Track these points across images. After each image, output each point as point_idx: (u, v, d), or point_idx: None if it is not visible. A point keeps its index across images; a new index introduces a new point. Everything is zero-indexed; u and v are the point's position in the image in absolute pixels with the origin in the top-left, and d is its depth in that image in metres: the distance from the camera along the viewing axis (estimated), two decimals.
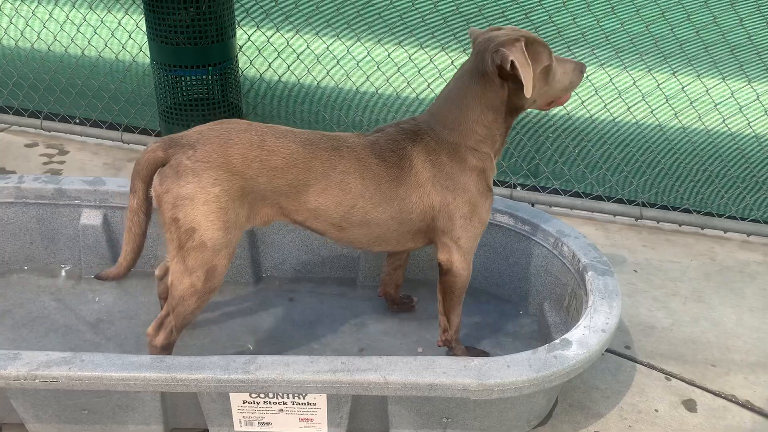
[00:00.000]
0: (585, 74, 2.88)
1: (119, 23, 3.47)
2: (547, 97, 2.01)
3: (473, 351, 2.26)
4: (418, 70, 3.21)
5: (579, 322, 1.99)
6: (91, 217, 2.56)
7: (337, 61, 3.28)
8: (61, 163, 3.52)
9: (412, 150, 1.99)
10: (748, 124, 2.99)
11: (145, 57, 3.43)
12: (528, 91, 1.84)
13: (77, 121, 3.75)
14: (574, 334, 1.93)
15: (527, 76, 1.83)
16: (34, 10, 3.63)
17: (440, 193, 1.99)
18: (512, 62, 1.82)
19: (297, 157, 1.92)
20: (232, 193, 1.88)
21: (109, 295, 2.55)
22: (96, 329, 2.39)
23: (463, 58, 3.12)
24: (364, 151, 1.98)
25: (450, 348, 2.23)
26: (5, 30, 3.73)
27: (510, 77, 1.89)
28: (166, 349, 2.04)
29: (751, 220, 3.14)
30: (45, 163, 3.51)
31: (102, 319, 2.44)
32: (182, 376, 1.78)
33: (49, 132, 3.77)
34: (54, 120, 3.77)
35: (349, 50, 3.24)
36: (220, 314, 2.49)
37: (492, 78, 1.91)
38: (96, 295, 2.54)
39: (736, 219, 3.15)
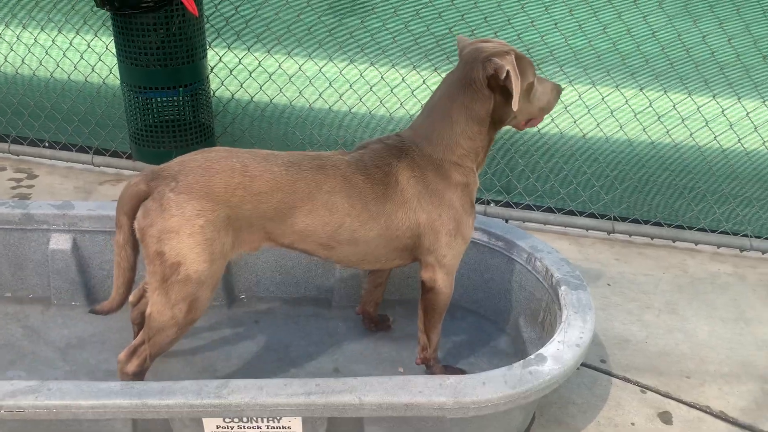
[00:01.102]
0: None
1: (88, 45, 3.44)
2: (525, 114, 2.03)
3: (450, 369, 2.25)
4: (391, 89, 3.23)
5: (553, 337, 1.99)
6: (61, 242, 2.52)
7: (310, 81, 3.29)
8: (30, 187, 3.47)
9: (397, 166, 1.97)
10: (715, 138, 3.05)
11: (115, 79, 3.40)
12: (515, 104, 1.85)
13: (46, 144, 3.70)
14: (549, 349, 1.93)
15: (517, 88, 1.84)
16: (0, 33, 3.59)
17: (426, 209, 1.98)
18: (507, 72, 1.83)
19: (281, 180, 1.89)
20: (217, 223, 1.85)
21: (79, 321, 2.50)
22: (65, 356, 2.34)
23: (435, 77, 3.16)
24: (349, 168, 1.96)
25: (428, 366, 2.22)
26: None
27: (497, 89, 1.91)
28: (138, 375, 2.00)
29: (721, 232, 3.19)
30: (13, 188, 3.45)
31: (72, 345, 2.39)
32: (154, 402, 1.74)
33: (18, 156, 3.71)
34: (22, 143, 3.72)
35: (321, 70, 3.25)
36: (193, 337, 2.45)
37: (480, 88, 1.91)
38: (66, 321, 2.49)
39: (706, 231, 3.20)
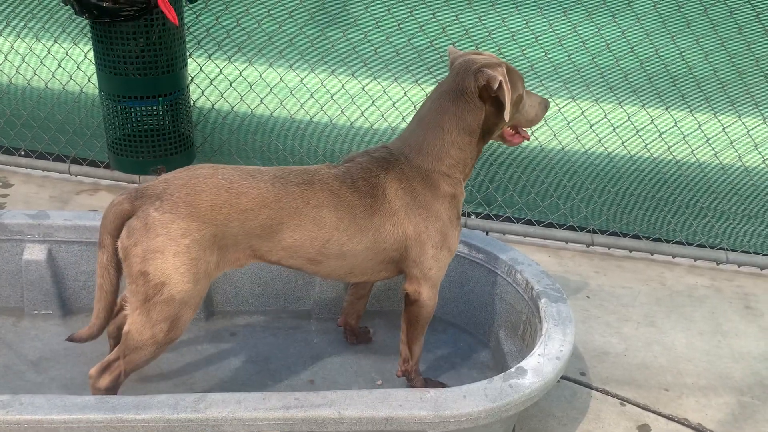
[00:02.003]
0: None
1: (67, 53, 3.40)
2: (513, 126, 2.06)
3: (431, 383, 2.24)
4: (372, 101, 3.23)
5: (534, 350, 1.99)
6: (35, 252, 2.47)
7: (291, 92, 3.28)
8: (5, 196, 3.41)
9: (385, 178, 1.97)
10: (692, 152, 3.09)
11: (93, 87, 3.36)
12: (507, 114, 1.87)
13: (22, 152, 3.64)
14: (529, 363, 1.93)
15: (509, 98, 1.86)
16: None
17: (413, 221, 1.97)
18: (500, 82, 1.85)
19: (267, 196, 1.87)
20: (203, 242, 1.82)
21: (53, 333, 2.45)
22: (38, 369, 2.29)
23: (417, 90, 3.17)
24: (337, 182, 1.95)
25: (409, 379, 2.21)
26: None
27: (488, 100, 1.92)
28: (110, 391, 1.96)
29: (698, 245, 3.23)
30: None
31: (45, 357, 2.34)
32: (129, 416, 1.71)
33: None
34: None
35: (303, 81, 3.25)
36: (170, 350, 2.40)
37: (472, 99, 1.92)
38: (39, 333, 2.44)
39: (684, 244, 3.23)
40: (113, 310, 1.97)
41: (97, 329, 1.98)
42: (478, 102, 1.92)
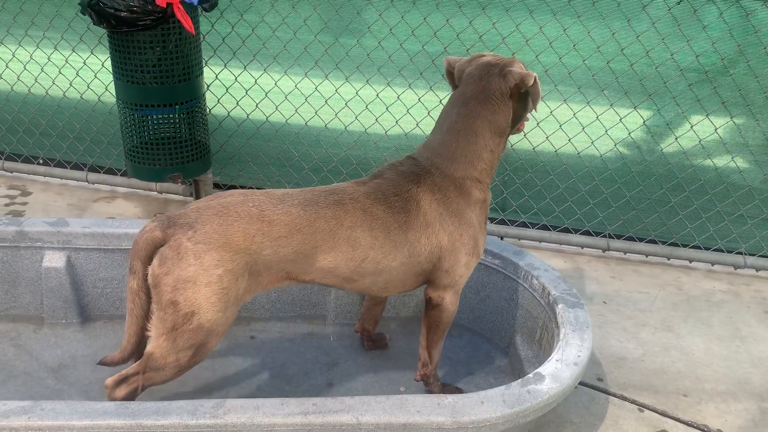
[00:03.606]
0: (550, 110, 2.96)
1: (84, 63, 3.44)
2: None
3: (448, 388, 2.24)
4: (386, 107, 3.24)
5: (551, 356, 1.99)
6: (54, 260, 2.50)
7: (305, 99, 3.30)
8: (24, 204, 3.45)
9: (417, 191, 1.97)
10: (708, 155, 3.07)
11: (110, 96, 3.40)
12: (537, 107, 1.94)
13: (41, 161, 3.68)
14: (547, 368, 1.93)
15: (539, 91, 1.92)
16: None
17: (448, 230, 1.98)
18: (535, 78, 1.90)
19: (299, 221, 1.87)
20: (235, 271, 1.83)
21: (73, 340, 2.47)
22: (58, 375, 2.31)
23: (431, 96, 3.17)
24: (369, 200, 1.94)
25: (427, 383, 2.21)
26: None
27: (515, 96, 1.96)
28: (127, 399, 1.96)
29: (715, 250, 3.21)
30: (6, 205, 3.43)
31: (65, 364, 2.37)
32: (148, 422, 1.72)
33: (12, 173, 3.70)
34: (17, 160, 3.70)
35: (317, 88, 3.26)
36: None
37: (503, 99, 1.95)
38: (58, 340, 2.47)
39: (701, 249, 3.21)
40: (144, 334, 1.97)
41: (128, 353, 2.00)
42: (509, 101, 1.95)
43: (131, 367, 1.95)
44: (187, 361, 1.89)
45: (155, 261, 1.83)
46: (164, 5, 2.70)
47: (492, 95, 1.94)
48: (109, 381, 1.95)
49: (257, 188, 3.46)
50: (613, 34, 2.93)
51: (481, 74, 1.97)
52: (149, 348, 1.90)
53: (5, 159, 3.70)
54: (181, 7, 2.73)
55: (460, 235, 1.99)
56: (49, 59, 3.50)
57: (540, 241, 3.30)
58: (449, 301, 2.06)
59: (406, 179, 1.99)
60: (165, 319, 1.83)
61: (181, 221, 1.83)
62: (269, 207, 1.87)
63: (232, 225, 1.82)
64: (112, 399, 1.95)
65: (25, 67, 3.56)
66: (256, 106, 3.36)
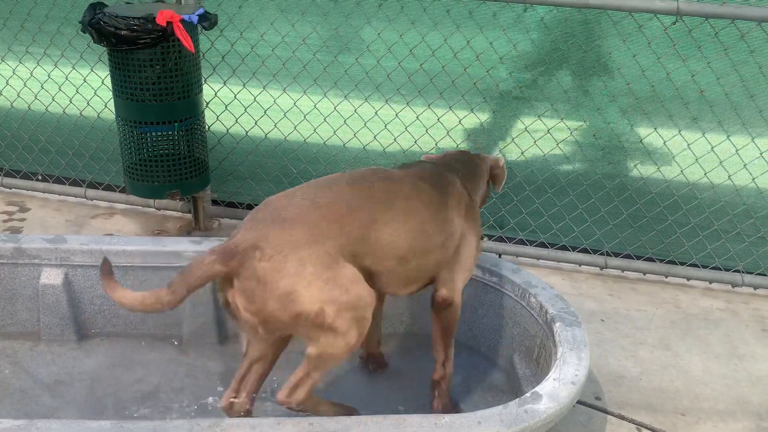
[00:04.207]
0: (547, 128, 2.97)
1: (84, 80, 3.46)
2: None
3: (452, 401, 2.26)
4: (384, 125, 3.26)
5: (549, 375, 1.98)
6: (52, 277, 2.50)
7: (304, 116, 3.31)
8: (22, 220, 3.45)
9: (452, 178, 2.15)
10: (705, 174, 3.09)
11: (110, 113, 3.42)
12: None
13: (39, 177, 3.69)
14: (545, 387, 1.92)
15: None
16: None
17: (469, 222, 2.14)
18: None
19: (355, 196, 1.90)
20: (324, 260, 1.78)
21: (69, 357, 2.47)
22: (54, 393, 2.30)
23: (428, 114, 3.20)
24: (415, 177, 2.06)
25: (438, 388, 2.22)
26: None
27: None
28: (306, 401, 1.94)
29: (713, 268, 3.21)
30: (5, 221, 3.43)
31: (61, 381, 2.36)
32: None
33: (10, 189, 3.70)
34: (15, 176, 3.71)
35: (316, 105, 3.28)
36: (184, 376, 2.42)
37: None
38: (55, 357, 2.46)
39: (698, 267, 3.21)
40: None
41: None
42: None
43: (299, 372, 1.91)
44: (356, 340, 1.86)
45: (241, 302, 1.76)
46: (164, 24, 2.73)
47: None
48: (282, 396, 1.91)
49: (255, 206, 3.47)
50: (610, 53, 2.96)
51: (476, 158, 2.40)
52: (311, 351, 1.86)
53: (4, 175, 3.70)
54: (181, 25, 2.75)
55: (476, 226, 2.18)
56: (49, 76, 3.52)
57: (538, 259, 3.30)
58: (457, 299, 2.16)
59: (441, 168, 2.18)
60: (304, 334, 1.81)
61: (241, 248, 1.76)
62: (320, 193, 1.89)
63: (294, 227, 1.79)
64: (296, 404, 1.91)
65: (25, 84, 3.58)
66: (255, 123, 3.37)
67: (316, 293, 1.77)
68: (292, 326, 1.81)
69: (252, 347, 2.00)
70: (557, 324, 2.19)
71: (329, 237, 1.82)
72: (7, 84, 3.61)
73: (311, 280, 1.76)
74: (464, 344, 2.59)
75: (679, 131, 3.05)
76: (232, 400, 2.03)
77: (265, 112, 3.34)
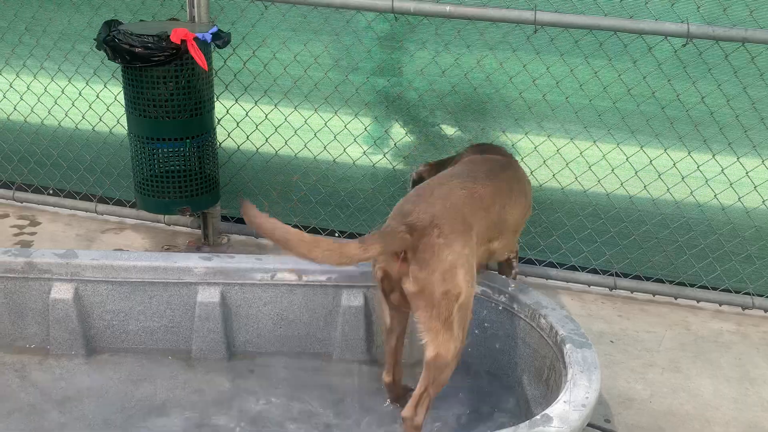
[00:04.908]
0: (557, 148, 3.00)
1: (97, 96, 3.49)
2: None
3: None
4: (394, 143, 3.28)
5: (559, 397, 1.97)
6: (62, 291, 2.51)
7: (315, 134, 3.33)
8: (32, 234, 3.47)
9: (516, 163, 2.65)
10: (715, 196, 3.08)
11: (122, 129, 3.44)
12: None
13: (51, 191, 3.71)
14: (555, 410, 1.91)
15: None
16: (12, 83, 3.65)
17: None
18: None
19: (493, 189, 2.25)
20: (473, 247, 2.09)
21: (78, 372, 2.47)
22: (62, 408, 2.31)
23: (437, 131, 3.21)
24: (508, 164, 2.51)
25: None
26: None
27: None
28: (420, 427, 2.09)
29: (723, 290, 3.19)
30: (15, 235, 3.45)
31: (69, 397, 2.36)
32: None
33: (21, 203, 3.72)
34: (27, 191, 3.73)
35: (327, 124, 3.30)
36: (192, 392, 2.42)
37: None
38: (64, 372, 2.46)
39: (708, 289, 3.19)
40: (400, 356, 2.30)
41: (399, 377, 2.35)
42: None
43: (417, 389, 2.07)
44: (461, 345, 2.07)
45: (414, 271, 2.00)
46: (179, 42, 2.76)
47: None
48: (406, 413, 2.08)
49: None
50: (620, 75, 2.97)
51: None
52: (431, 354, 2.03)
53: (16, 189, 3.73)
54: (194, 44, 2.78)
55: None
56: (63, 92, 3.56)
57: (546, 279, 3.29)
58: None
59: (506, 155, 2.61)
60: (440, 313, 2.00)
61: (420, 225, 2.01)
62: (473, 185, 2.20)
63: (462, 209, 2.09)
64: (414, 427, 2.07)
65: (39, 99, 3.62)
66: (266, 140, 3.39)
67: (465, 276, 2.04)
68: (437, 304, 2.00)
69: (394, 322, 2.24)
70: (567, 345, 2.18)
71: (476, 224, 2.12)
72: (21, 99, 3.65)
73: (464, 263, 2.04)
74: (473, 364, 2.58)
75: (689, 153, 3.05)
76: (389, 376, 2.31)
77: (276, 130, 3.36)
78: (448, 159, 2.69)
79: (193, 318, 2.53)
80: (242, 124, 3.38)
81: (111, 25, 2.90)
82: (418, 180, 2.52)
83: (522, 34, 2.97)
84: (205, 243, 3.42)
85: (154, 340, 2.57)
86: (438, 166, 2.60)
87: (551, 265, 3.31)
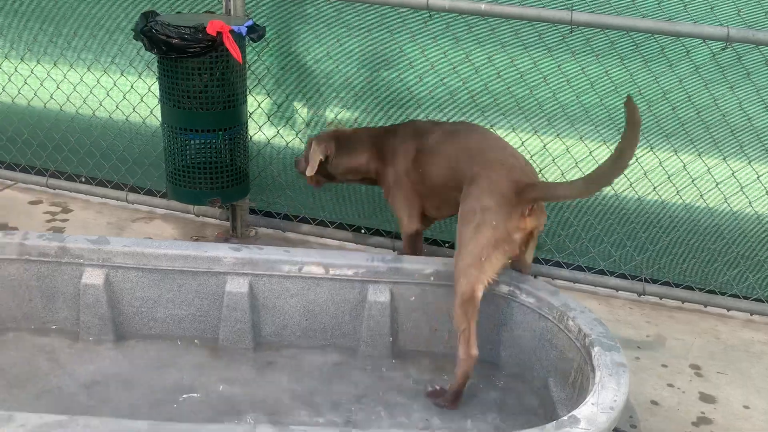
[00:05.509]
0: (589, 150, 2.94)
1: (132, 86, 3.54)
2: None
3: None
4: None
5: (586, 399, 1.95)
6: (93, 277, 2.54)
7: None
8: (64, 221, 3.53)
9: None
10: (749, 203, 3.03)
11: (154, 119, 3.49)
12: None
13: (83, 179, 3.77)
14: (582, 411, 1.89)
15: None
16: (49, 71, 3.71)
17: None
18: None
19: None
20: None
21: (106, 357, 2.50)
22: (90, 392, 2.33)
23: None
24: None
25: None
26: (19, 89, 3.80)
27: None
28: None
29: (754, 299, 3.13)
30: (48, 221, 3.51)
31: (97, 381, 2.39)
32: None
33: (54, 190, 3.79)
34: (60, 178, 3.80)
35: (357, 120, 3.30)
36: (217, 380, 2.44)
37: None
38: (92, 356, 2.49)
39: (739, 297, 3.14)
40: None
41: None
42: None
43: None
44: None
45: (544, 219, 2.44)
46: (215, 34, 2.78)
47: None
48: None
49: (293, 216, 3.50)
50: (656, 78, 2.93)
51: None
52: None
53: (49, 176, 3.79)
54: (230, 36, 2.81)
55: None
56: (98, 82, 3.61)
57: (574, 282, 3.26)
58: None
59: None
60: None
61: (538, 182, 2.48)
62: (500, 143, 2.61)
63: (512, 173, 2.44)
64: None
65: (74, 89, 3.67)
66: (296, 135, 3.41)
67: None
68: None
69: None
70: (596, 348, 2.15)
71: None
72: (58, 88, 3.71)
73: None
74: (498, 365, 2.56)
75: (725, 158, 3.00)
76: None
77: (306, 125, 3.38)
78: (354, 134, 2.86)
79: (221, 307, 2.55)
80: (273, 118, 3.40)
81: (148, 16, 2.93)
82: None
83: (557, 34, 2.95)
84: (233, 235, 3.44)
85: (181, 328, 2.59)
86: (341, 140, 2.82)
87: (579, 268, 3.27)
